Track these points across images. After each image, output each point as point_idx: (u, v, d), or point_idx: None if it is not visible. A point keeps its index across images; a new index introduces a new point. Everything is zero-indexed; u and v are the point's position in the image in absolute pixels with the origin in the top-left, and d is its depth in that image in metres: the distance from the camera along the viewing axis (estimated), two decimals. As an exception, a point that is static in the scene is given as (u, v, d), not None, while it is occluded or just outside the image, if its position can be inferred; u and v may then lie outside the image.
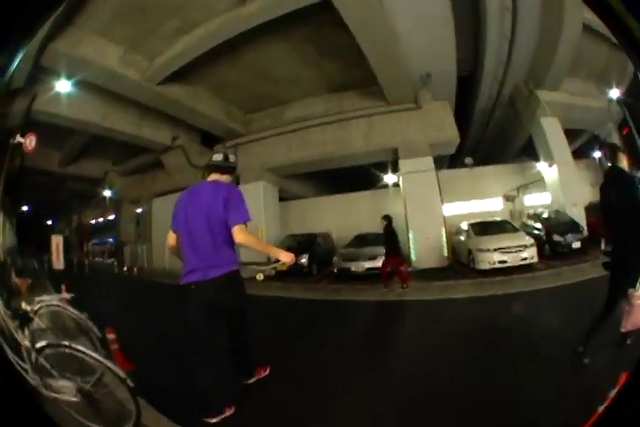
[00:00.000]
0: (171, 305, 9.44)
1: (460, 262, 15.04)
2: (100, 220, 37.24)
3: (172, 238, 4.55)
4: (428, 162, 16.24)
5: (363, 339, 6.59)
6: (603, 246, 7.59)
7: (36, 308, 4.04)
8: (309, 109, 17.93)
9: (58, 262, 23.36)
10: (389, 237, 12.62)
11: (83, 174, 27.49)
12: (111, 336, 5.02)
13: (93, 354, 3.66)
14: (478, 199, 17.55)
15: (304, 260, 14.85)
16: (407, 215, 16.05)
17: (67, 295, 5.01)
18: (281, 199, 20.71)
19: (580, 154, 17.16)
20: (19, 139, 12.91)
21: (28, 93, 15.56)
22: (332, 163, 18.21)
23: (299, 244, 16.28)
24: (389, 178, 18.13)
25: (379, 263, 13.15)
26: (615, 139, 16.41)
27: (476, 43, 15.32)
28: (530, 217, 16.02)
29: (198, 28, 13.39)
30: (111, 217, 33.89)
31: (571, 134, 16.78)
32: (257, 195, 18.64)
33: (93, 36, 13.95)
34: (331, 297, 11.42)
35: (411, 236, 15.71)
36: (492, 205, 17.48)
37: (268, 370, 4.95)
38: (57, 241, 24.20)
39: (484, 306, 8.86)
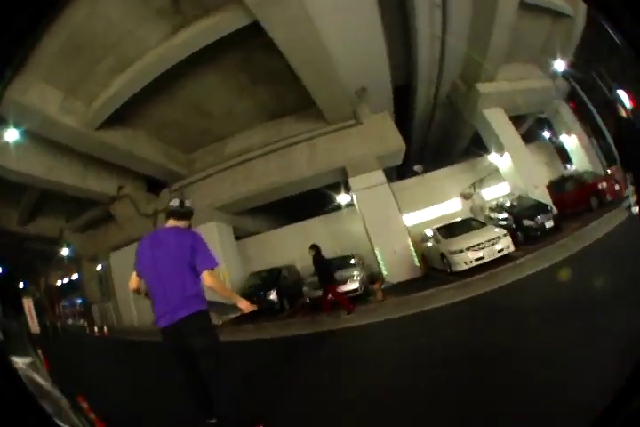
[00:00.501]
0: (142, 364, 10.22)
1: (434, 269, 14.73)
2: (65, 280, 36.62)
3: (134, 281, 4.52)
4: (379, 176, 16.14)
5: (359, 373, 5.79)
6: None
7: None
8: (249, 141, 17.99)
9: (33, 325, 22.94)
10: (321, 267, 12.26)
11: (40, 233, 26.97)
12: (84, 405, 4.72)
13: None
14: (436, 204, 17.53)
15: (272, 296, 14.41)
16: (368, 232, 15.82)
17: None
18: (237, 238, 20.47)
19: (528, 138, 17.60)
20: None
21: None
22: (280, 192, 17.92)
23: (263, 280, 15.91)
24: (343, 198, 18.08)
25: (352, 286, 13.21)
26: (565, 115, 17.32)
27: (407, 48, 15.26)
28: (492, 210, 15.87)
29: (132, 66, 13.11)
30: (74, 277, 33.32)
31: (516, 120, 17.02)
32: (211, 236, 18.07)
33: (39, 82, 13.51)
34: (310, 330, 10.70)
35: (377, 252, 15.45)
36: (451, 207, 17.50)
37: None
38: (28, 304, 23.50)
39: (474, 307, 8.44)
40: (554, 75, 16.51)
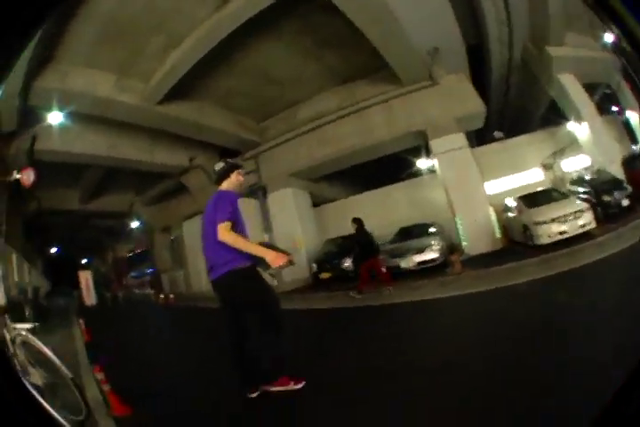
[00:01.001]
0: (200, 330, 10.53)
1: (514, 242, 13.96)
2: (136, 252, 37.57)
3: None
4: (460, 139, 15.33)
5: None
6: None
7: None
8: (322, 106, 17.43)
9: (89, 298, 24.21)
10: (363, 240, 12.00)
11: (106, 210, 27.45)
12: (99, 376, 4.66)
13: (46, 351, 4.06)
14: (517, 173, 16.47)
15: (347, 264, 13.95)
16: (450, 199, 15.17)
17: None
18: (315, 205, 20.17)
19: (599, 110, 16.29)
20: (15, 175, 12.90)
21: (25, 135, 15.61)
22: (357, 157, 17.47)
23: (339, 248, 15.45)
24: (423, 163, 17.36)
25: (430, 256, 12.63)
26: (626, 91, 15.83)
27: (472, 8, 14.61)
28: (573, 182, 14.96)
29: (186, 40, 12.98)
30: (145, 248, 34.03)
31: (587, 90, 15.98)
32: (287, 203, 18.26)
33: (80, 67, 13.79)
34: (384, 301, 9.96)
35: (458, 220, 14.82)
36: (532, 177, 16.40)
37: (301, 384, 4.49)
38: (85, 277, 25.24)
39: (557, 286, 7.50)
40: (605, 47, 15.23)
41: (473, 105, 15.31)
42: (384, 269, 11.79)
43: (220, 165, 4.89)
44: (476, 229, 14.52)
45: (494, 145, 16.94)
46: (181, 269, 25.20)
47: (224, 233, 4.20)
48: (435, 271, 12.27)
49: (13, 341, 4.19)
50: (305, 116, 17.67)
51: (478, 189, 15.08)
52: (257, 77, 15.49)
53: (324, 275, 14.75)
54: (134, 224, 29.63)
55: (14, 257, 13.97)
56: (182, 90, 15.10)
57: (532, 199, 13.48)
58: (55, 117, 14.56)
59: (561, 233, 11.28)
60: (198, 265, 18.81)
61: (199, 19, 12.38)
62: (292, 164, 18.00)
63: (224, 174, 4.81)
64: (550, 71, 15.56)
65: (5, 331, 4.35)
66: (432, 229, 14.74)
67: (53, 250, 37.41)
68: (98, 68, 14.17)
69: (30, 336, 4.17)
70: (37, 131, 15.81)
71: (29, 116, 14.42)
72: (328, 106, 17.15)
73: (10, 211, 18.78)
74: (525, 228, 12.47)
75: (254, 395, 4.37)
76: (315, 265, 15.38)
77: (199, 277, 19.23)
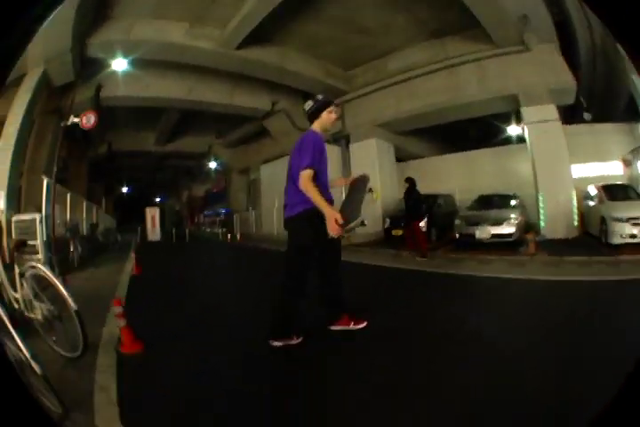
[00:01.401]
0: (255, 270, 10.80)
1: (589, 234, 12.99)
2: (212, 192, 38.30)
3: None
4: (552, 111, 14.34)
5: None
6: None
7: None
8: (412, 58, 16.87)
9: (153, 234, 25.17)
10: (413, 201, 11.45)
11: (184, 150, 28.35)
12: (118, 309, 4.41)
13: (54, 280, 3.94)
14: (599, 161, 15.30)
15: (422, 224, 12.70)
16: (535, 175, 14.29)
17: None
18: (399, 160, 19.73)
19: None
20: (73, 119, 13.07)
21: (88, 84, 17.26)
22: (446, 115, 16.74)
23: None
24: (513, 130, 16.34)
25: (507, 230, 11.82)
26: None
27: None
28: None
29: None
30: (221, 188, 34.54)
31: None
32: (369, 153, 17.93)
33: (147, 19, 14.54)
34: (448, 269, 9.02)
35: (540, 199, 13.95)
36: (612, 169, 15.14)
37: (362, 324, 4.66)
38: (152, 213, 25.97)
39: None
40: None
41: (565, 78, 14.28)
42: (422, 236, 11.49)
43: (309, 104, 4.49)
44: (556, 212, 13.71)
45: (581, 127, 15.40)
46: (254, 210, 25.41)
47: (304, 182, 4.06)
48: (506, 247, 11.42)
49: (22, 274, 4.23)
50: (395, 67, 17.13)
51: (565, 168, 14.09)
52: (344, 24, 15.11)
53: (397, 232, 14.09)
54: (212, 165, 30.42)
55: (68, 196, 13.99)
56: (263, 35, 15.34)
57: (614, 191, 12.33)
58: (119, 64, 15.28)
59: (631, 236, 10.16)
60: (270, 208, 19.12)
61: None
62: (378, 114, 17.53)
63: (315, 113, 4.47)
64: (624, 68, 13.88)
65: (16, 265, 4.39)
66: (513, 202, 13.82)
67: (124, 189, 39.97)
68: (167, 19, 14.70)
69: (42, 268, 4.09)
70: (104, 79, 17.53)
71: (91, 65, 15.73)
72: (419, 59, 16.63)
73: (73, 154, 22.90)
74: (602, 221, 11.28)
75: (278, 343, 4.23)
76: (388, 220, 14.96)
77: (270, 219, 19.27)
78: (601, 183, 12.90)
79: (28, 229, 9.86)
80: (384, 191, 17.25)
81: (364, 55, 17.42)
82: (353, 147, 18.80)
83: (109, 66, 15.36)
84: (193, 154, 29.53)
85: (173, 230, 26.55)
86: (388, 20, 14.92)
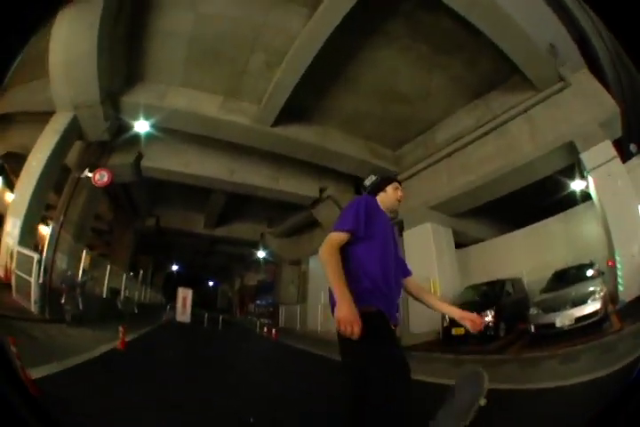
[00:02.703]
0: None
1: None
2: (265, 281, 38.20)
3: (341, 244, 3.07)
4: (608, 148, 12.97)
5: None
6: None
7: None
8: (460, 124, 16.18)
9: (183, 315, 24.88)
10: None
11: (234, 236, 28.27)
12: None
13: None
14: None
15: (488, 318, 11.58)
16: (609, 229, 12.54)
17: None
18: (458, 245, 18.42)
19: None
20: (86, 173, 14.28)
21: (126, 149, 17.48)
22: (504, 183, 15.57)
23: (482, 296, 13.54)
24: (577, 184, 14.59)
25: (591, 308, 9.98)
26: None
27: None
28: None
29: (287, 55, 12.97)
30: (273, 279, 34.27)
31: None
32: (425, 239, 16.91)
33: (177, 87, 15.00)
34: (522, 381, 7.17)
35: (617, 259, 12.04)
36: None
37: None
38: (184, 294, 25.38)
39: None
40: None
41: (608, 104, 13.00)
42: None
43: (371, 178, 3.63)
44: (631, 268, 11.69)
45: (632, 161, 13.47)
46: (300, 304, 24.82)
47: (325, 247, 2.91)
48: (589, 330, 9.67)
49: None
50: (444, 137, 16.51)
51: (635, 210, 12.29)
52: (379, 94, 15.05)
53: (457, 330, 11.78)
54: (261, 254, 30.18)
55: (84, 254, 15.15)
56: (298, 110, 15.38)
57: None
58: (142, 126, 15.41)
59: None
60: (316, 303, 18.76)
61: (293, 30, 12.53)
62: (431, 194, 16.61)
63: (377, 188, 3.54)
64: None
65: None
66: (590, 272, 12.00)
67: (174, 267, 40.71)
68: (199, 89, 15.02)
69: None
70: (145, 148, 17.72)
71: (127, 129, 15.81)
72: (466, 123, 15.97)
73: (119, 220, 23.82)
74: None
75: None
76: (447, 317, 13.23)
77: (316, 315, 18.30)
78: None
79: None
80: (443, 282, 15.86)
81: (409, 130, 17.05)
82: (406, 234, 17.64)
83: (144, 131, 15.68)
84: (244, 241, 29.10)
85: (206, 315, 25.90)
86: (424, 82, 14.68)
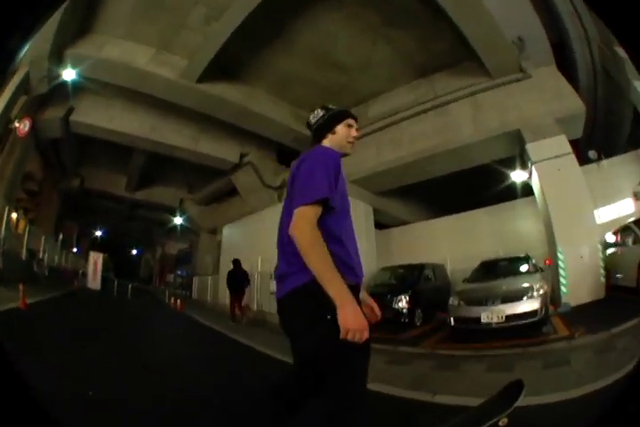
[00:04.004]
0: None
1: (617, 288, 9.75)
2: (186, 250, 35.95)
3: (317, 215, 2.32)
4: (563, 143, 11.71)
5: None
6: None
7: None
8: (396, 101, 14.69)
9: (93, 281, 22.61)
10: (234, 282, 13.79)
11: (154, 201, 26.59)
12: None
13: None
14: (611, 203, 12.89)
15: (402, 304, 10.16)
16: (552, 225, 11.26)
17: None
18: (380, 226, 17.48)
19: None
20: (15, 124, 13.71)
21: (61, 104, 16.20)
22: (436, 164, 14.15)
23: (398, 279, 11.84)
24: (518, 175, 13.39)
25: (528, 306, 8.02)
26: None
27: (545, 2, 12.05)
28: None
29: (229, 9, 11.52)
30: (190, 248, 33.80)
31: None
32: None
33: (119, 39, 13.63)
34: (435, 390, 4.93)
35: (560, 256, 10.70)
36: (622, 209, 12.79)
37: None
38: (95, 258, 23.26)
39: None
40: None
41: (572, 103, 12.08)
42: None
43: (318, 115, 2.73)
44: (580, 270, 10.46)
45: (590, 167, 12.97)
46: (213, 275, 22.65)
47: (299, 224, 2.14)
48: (526, 330, 7.80)
49: None
50: (376, 112, 15.12)
51: (588, 211, 11.24)
52: (316, 59, 13.48)
53: None
54: (178, 221, 27.95)
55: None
56: (227, 69, 14.11)
57: None
58: (69, 74, 14.12)
59: None
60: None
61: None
62: (356, 167, 14.60)
63: (325, 126, 2.69)
64: (625, 73, 12.43)
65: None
66: (526, 267, 10.37)
67: (98, 233, 37.81)
68: (137, 41, 13.66)
69: None
70: (78, 102, 16.31)
71: (63, 85, 14.65)
72: (404, 101, 14.50)
73: (48, 179, 21.70)
74: None
75: None
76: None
77: (225, 288, 16.45)
78: (630, 220, 10.38)
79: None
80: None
81: (342, 100, 14.87)
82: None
83: (77, 87, 14.93)
84: (163, 206, 27.05)
85: (116, 282, 24.16)
86: (367, 52, 13.08)
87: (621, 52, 11.69)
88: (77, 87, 15.02)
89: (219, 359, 7.44)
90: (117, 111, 16.87)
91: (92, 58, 13.39)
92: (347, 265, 2.28)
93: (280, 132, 16.02)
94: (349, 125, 2.70)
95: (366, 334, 2.00)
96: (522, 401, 4.23)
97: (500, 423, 2.81)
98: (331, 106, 2.80)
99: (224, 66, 13.57)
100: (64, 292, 16.01)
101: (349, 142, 2.72)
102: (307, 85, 14.55)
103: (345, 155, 2.70)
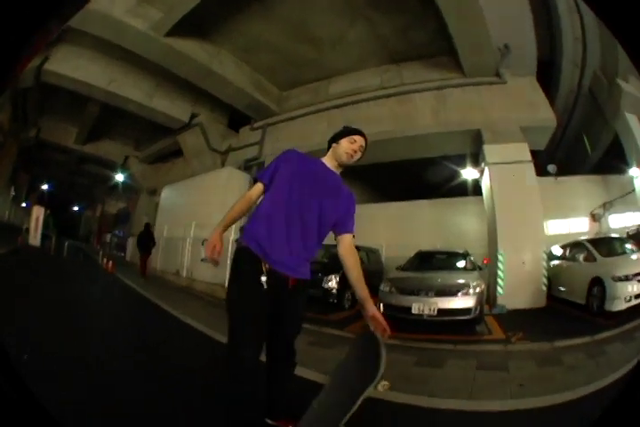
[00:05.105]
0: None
1: (560, 301, 9.71)
2: (125, 210, 34.47)
3: (256, 190, 3.01)
4: (524, 151, 11.40)
5: None
6: None
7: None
8: (360, 82, 14.17)
9: (34, 238, 22.07)
10: (144, 240, 14.78)
11: (99, 155, 25.13)
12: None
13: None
14: (563, 217, 13.21)
15: (331, 283, 9.76)
16: (495, 228, 10.94)
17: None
18: None
19: None
20: None
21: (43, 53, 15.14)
22: (388, 150, 13.28)
23: (330, 259, 10.68)
24: (468, 173, 12.84)
25: (462, 303, 7.52)
26: None
27: (550, 20, 12.91)
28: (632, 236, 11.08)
29: None
30: (131, 208, 31.28)
31: None
32: None
33: None
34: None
35: (500, 258, 10.38)
36: (577, 226, 13.20)
37: None
38: (37, 214, 22.55)
39: None
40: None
41: (543, 115, 11.92)
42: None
43: (338, 130, 3.34)
44: (520, 275, 10.15)
45: (547, 179, 12.90)
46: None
47: (355, 251, 3.02)
48: (458, 327, 7.47)
49: None
50: (337, 90, 14.57)
51: (537, 220, 10.92)
52: (290, 29, 12.78)
53: (315, 292, 9.83)
54: (119, 177, 26.29)
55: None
56: (199, 27, 13.24)
57: (608, 246, 9.45)
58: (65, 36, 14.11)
59: (637, 296, 7.61)
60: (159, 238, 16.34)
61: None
62: (303, 141, 13.54)
63: (332, 139, 3.25)
64: (618, 104, 12.70)
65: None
66: (463, 263, 9.69)
67: (45, 187, 35.95)
68: None
69: None
70: (52, 52, 15.30)
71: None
72: (367, 83, 13.96)
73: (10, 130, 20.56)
74: (595, 283, 8.31)
75: None
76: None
77: (155, 251, 15.74)
78: (589, 237, 10.67)
79: None
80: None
81: (306, 74, 14.93)
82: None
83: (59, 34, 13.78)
84: (109, 162, 25.55)
85: (53, 240, 23.42)
86: (342, 29, 12.41)
87: (623, 84, 12.41)
88: (57, 36, 14.05)
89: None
90: (82, 61, 15.87)
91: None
92: (248, 232, 2.74)
93: (236, 95, 15.22)
94: (350, 142, 3.06)
95: (209, 252, 2.64)
96: (457, 405, 3.60)
97: (380, 388, 2.89)
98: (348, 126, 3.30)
99: (196, 23, 12.70)
100: (8, 248, 15.82)
101: (347, 153, 3.04)
102: (274, 53, 13.96)
103: (342, 164, 3.08)
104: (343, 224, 2.96)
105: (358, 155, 3.08)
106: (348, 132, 3.15)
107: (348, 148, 3.02)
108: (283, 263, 2.65)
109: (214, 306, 9.47)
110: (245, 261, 2.64)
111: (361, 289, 2.84)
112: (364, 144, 3.10)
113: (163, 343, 5.36)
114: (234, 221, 2.84)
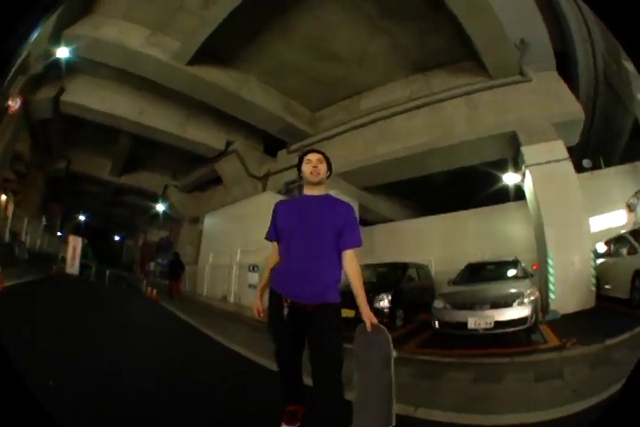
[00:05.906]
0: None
1: (607, 298, 9.48)
2: (167, 239, 34.97)
3: (274, 249, 3.62)
4: (560, 148, 11.29)
5: None
6: None
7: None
8: (390, 96, 14.21)
9: (71, 266, 21.43)
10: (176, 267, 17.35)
11: (137, 186, 25.92)
12: None
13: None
14: (602, 213, 12.48)
15: (383, 303, 9.40)
16: (543, 230, 10.78)
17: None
18: (365, 223, 16.92)
19: None
20: (9, 102, 13.66)
21: (53, 83, 15.77)
22: (427, 161, 13.71)
23: (380, 278, 11.03)
24: (510, 178, 12.82)
25: (517, 313, 7.45)
26: None
27: (554, 11, 12.25)
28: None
29: None
30: (173, 237, 32.45)
31: None
32: None
33: (116, 20, 13.18)
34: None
35: (550, 263, 10.20)
36: (616, 219, 12.43)
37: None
38: (74, 243, 22.14)
39: None
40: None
41: (572, 108, 11.73)
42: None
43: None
44: (570, 277, 9.96)
45: (583, 175, 12.51)
46: (192, 265, 21.37)
47: (358, 264, 3.46)
48: (514, 338, 7.45)
49: None
50: (370, 105, 14.60)
51: (581, 218, 10.71)
52: (312, 49, 13.01)
53: (347, 312, 9.28)
54: (160, 208, 27.18)
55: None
56: (221, 54, 13.51)
57: None
58: (62, 52, 13.67)
59: None
60: (204, 265, 16.95)
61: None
62: (342, 161, 13.85)
63: (298, 168, 3.63)
64: (629, 87, 12.74)
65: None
66: (514, 271, 9.65)
67: (82, 218, 37.74)
68: (134, 22, 13.22)
69: None
70: (67, 84, 15.94)
71: (57, 65, 14.31)
72: (397, 96, 14.03)
73: (35, 161, 21.11)
74: (638, 276, 8.18)
75: None
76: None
77: (202, 278, 16.36)
78: (625, 230, 10.06)
79: None
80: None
81: (335, 93, 15.20)
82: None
83: (71, 65, 14.42)
84: (147, 192, 26.30)
85: (93, 269, 23.51)
86: (364, 45, 12.64)
87: (629, 65, 11.98)
88: (70, 68, 14.64)
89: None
90: (107, 93, 16.42)
91: (88, 37, 12.94)
92: (274, 278, 3.39)
93: (268, 121, 15.51)
94: (305, 163, 3.46)
95: (255, 312, 3.52)
96: (516, 419, 3.81)
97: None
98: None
99: (217, 50, 13.04)
100: (42, 276, 15.51)
101: (310, 173, 3.41)
102: (300, 75, 14.17)
103: (316, 183, 3.42)
104: (342, 240, 3.32)
105: (320, 167, 3.42)
106: (299, 158, 3.56)
107: (307, 169, 3.41)
108: (299, 295, 3.15)
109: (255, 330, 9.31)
110: (273, 297, 3.31)
111: (362, 297, 3.32)
112: (320, 157, 3.47)
113: (207, 371, 5.44)
114: (268, 281, 3.49)
